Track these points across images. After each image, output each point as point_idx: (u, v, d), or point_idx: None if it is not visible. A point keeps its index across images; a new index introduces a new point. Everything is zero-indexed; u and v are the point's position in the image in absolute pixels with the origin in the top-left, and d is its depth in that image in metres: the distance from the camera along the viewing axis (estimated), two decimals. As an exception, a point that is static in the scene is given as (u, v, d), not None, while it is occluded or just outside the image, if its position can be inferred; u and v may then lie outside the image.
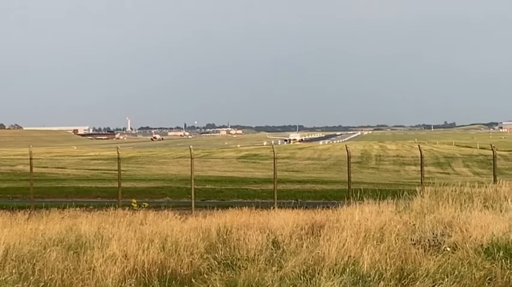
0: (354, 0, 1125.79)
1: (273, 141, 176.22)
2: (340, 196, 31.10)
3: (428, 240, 14.95)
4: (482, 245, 14.48)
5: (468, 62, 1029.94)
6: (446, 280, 12.28)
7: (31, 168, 35.88)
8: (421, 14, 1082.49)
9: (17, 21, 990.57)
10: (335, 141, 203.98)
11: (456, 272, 12.63)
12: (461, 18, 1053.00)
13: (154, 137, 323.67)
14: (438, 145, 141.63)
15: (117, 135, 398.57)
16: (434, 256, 13.66)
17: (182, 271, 13.43)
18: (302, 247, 14.50)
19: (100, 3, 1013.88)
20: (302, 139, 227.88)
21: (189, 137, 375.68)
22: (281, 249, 14.65)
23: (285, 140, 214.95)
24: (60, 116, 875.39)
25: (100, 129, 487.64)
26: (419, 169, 35.02)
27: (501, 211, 18.84)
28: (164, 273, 13.22)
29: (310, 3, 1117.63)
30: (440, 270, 12.76)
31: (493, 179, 32.33)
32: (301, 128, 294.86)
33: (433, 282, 12.29)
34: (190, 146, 36.38)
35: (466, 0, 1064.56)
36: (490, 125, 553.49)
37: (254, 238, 15.22)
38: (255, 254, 14.20)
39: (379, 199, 19.89)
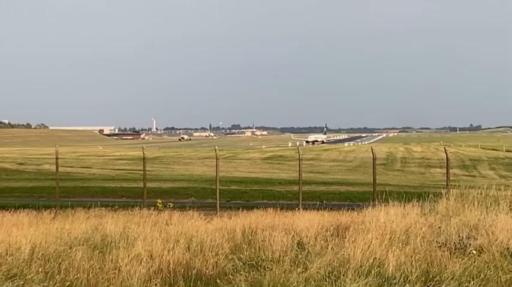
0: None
1: (298, 143, 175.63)
2: (365, 198, 31.05)
3: (454, 243, 14.87)
4: (508, 248, 14.39)
5: (494, 65, 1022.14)
6: (472, 283, 12.21)
7: (57, 167, 36.08)
8: (445, 19, 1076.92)
9: (43, 22, 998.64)
10: (360, 143, 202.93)
11: (482, 276, 12.56)
12: (487, 21, 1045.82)
13: (182, 138, 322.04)
14: (464, 148, 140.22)
15: (142, 136, 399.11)
16: (460, 259, 13.60)
17: (207, 271, 13.50)
18: (327, 248, 14.51)
19: (133, 1, 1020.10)
20: (323, 141, 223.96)
21: (214, 137, 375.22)
22: (306, 250, 14.67)
23: (306, 142, 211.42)
24: (86, 116, 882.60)
25: (125, 129, 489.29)
26: (445, 172, 34.73)
27: (528, 215, 18.67)
28: (189, 273, 13.28)
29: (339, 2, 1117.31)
30: (466, 273, 12.69)
31: (519, 182, 32.08)
32: (326, 130, 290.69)
33: (459, 285, 12.23)
34: (216, 147, 36.39)
35: (490, 5, 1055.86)
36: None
37: (279, 239, 15.25)
38: (280, 255, 14.23)
39: (405, 201, 19.81)
